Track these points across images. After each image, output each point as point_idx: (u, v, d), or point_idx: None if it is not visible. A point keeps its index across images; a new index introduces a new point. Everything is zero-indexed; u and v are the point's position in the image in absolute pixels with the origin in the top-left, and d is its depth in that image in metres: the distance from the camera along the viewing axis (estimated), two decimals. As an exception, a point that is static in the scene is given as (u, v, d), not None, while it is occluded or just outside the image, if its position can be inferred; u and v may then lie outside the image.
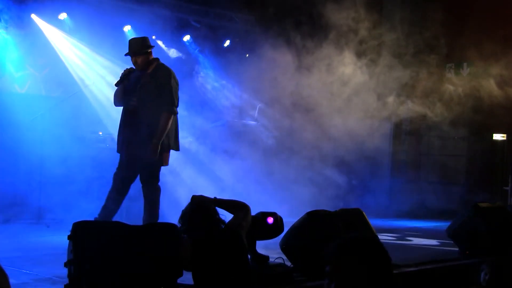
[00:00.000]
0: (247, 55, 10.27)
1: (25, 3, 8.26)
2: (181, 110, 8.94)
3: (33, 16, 8.46)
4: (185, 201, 4.17)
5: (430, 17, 10.03)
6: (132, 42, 6.01)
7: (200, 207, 3.99)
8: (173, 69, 6.02)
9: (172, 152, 6.14)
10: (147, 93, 5.86)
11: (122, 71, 5.92)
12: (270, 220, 4.55)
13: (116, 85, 5.92)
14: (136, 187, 6.06)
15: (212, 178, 8.48)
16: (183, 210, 4.03)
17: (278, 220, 4.61)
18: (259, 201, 8.08)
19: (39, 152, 7.61)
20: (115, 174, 5.84)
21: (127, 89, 5.87)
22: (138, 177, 5.91)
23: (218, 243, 3.87)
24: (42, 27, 8.60)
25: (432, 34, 9.70)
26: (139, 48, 5.92)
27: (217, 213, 4.02)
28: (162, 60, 6.04)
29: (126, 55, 5.98)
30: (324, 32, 8.80)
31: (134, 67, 5.93)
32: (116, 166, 5.88)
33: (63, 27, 8.77)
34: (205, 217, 3.94)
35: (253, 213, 4.60)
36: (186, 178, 8.22)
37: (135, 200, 7.90)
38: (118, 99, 5.94)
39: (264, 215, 4.57)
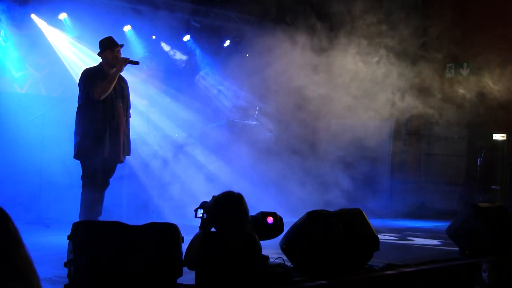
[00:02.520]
0: (247, 55, 10.28)
1: (25, 3, 8.26)
2: (181, 110, 8.96)
3: (33, 16, 8.46)
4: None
5: (430, 17, 10.04)
6: (111, 38, 5.99)
7: (241, 204, 3.92)
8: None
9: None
10: (127, 95, 6.08)
11: (124, 58, 5.89)
12: (270, 220, 4.55)
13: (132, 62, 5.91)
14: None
15: (212, 179, 8.48)
16: (214, 202, 3.93)
17: (278, 220, 4.60)
18: (259, 201, 8.10)
19: (39, 152, 7.61)
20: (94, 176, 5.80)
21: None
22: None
23: (238, 242, 3.85)
24: (42, 27, 8.59)
25: (433, 34, 9.70)
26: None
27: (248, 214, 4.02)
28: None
29: (121, 47, 5.98)
30: (324, 31, 8.80)
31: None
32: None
33: (63, 27, 8.77)
34: (242, 214, 3.91)
35: (253, 213, 4.60)
36: (186, 178, 8.22)
37: (134, 199, 7.94)
38: (108, 92, 5.77)
39: (264, 215, 4.56)
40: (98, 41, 6.03)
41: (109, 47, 5.89)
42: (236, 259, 3.83)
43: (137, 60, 6.08)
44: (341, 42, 8.81)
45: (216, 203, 3.92)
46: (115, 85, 5.85)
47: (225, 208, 3.88)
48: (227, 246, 3.82)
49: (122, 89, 5.99)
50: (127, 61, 5.89)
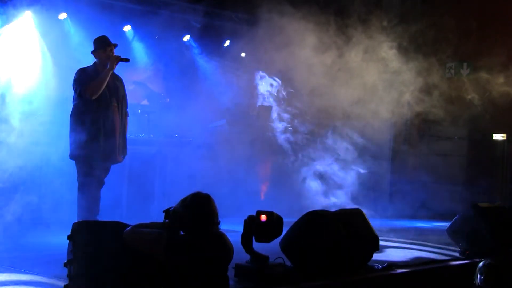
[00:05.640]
0: (244, 55, 10.31)
1: (25, 3, 8.24)
2: (181, 110, 8.96)
3: (32, 15, 8.43)
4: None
5: (431, 17, 10.03)
6: (105, 37, 6.02)
7: (209, 204, 3.81)
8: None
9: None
10: (123, 94, 6.08)
11: (116, 56, 5.90)
12: (263, 218, 4.48)
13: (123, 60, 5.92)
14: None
15: (212, 179, 8.47)
16: (181, 204, 3.81)
17: (274, 219, 4.53)
18: (258, 200, 8.10)
19: (38, 152, 7.61)
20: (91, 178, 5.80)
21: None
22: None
23: (207, 245, 3.75)
24: (41, 27, 8.57)
25: (433, 33, 9.69)
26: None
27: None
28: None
29: (115, 46, 6.01)
30: (323, 30, 8.79)
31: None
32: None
33: (63, 27, 8.76)
34: (209, 215, 3.79)
35: (253, 212, 4.60)
36: (186, 178, 8.22)
37: (134, 199, 7.95)
38: (100, 90, 5.77)
39: (258, 213, 4.52)
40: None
41: (102, 47, 5.91)
42: (205, 263, 3.71)
43: (127, 57, 6.05)
44: (340, 42, 8.80)
45: (183, 204, 3.80)
46: (109, 84, 5.84)
47: (192, 210, 3.76)
48: (195, 249, 3.70)
49: (116, 88, 5.98)
50: (119, 59, 5.88)
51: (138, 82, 9.33)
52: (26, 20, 8.32)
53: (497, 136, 11.02)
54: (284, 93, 9.23)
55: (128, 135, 6.26)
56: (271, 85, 9.40)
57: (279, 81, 9.09)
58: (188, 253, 3.68)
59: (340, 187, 9.55)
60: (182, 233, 3.81)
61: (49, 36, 8.59)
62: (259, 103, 9.75)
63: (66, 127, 5.96)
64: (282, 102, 9.42)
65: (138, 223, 3.91)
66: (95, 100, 5.73)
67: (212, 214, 3.81)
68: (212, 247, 3.76)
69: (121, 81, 6.14)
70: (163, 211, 3.86)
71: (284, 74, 8.99)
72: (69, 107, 6.00)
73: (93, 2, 8.60)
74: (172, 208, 3.83)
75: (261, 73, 9.40)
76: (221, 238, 3.84)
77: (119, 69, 6.22)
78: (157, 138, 8.51)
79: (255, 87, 9.49)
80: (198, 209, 3.77)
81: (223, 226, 3.91)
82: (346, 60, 8.83)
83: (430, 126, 11.76)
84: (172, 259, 3.66)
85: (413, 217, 10.31)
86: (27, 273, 4.64)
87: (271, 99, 9.61)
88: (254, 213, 4.56)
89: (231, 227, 4.09)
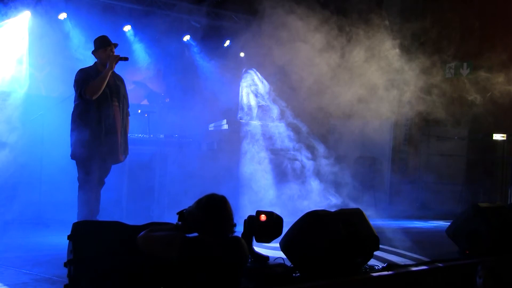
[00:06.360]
0: (243, 55, 10.30)
1: (25, 3, 8.25)
2: (181, 110, 8.97)
3: (32, 16, 8.44)
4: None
5: (430, 16, 10.04)
6: (105, 37, 6.02)
7: (225, 207, 3.74)
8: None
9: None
10: (124, 93, 6.08)
11: (116, 55, 5.91)
12: (263, 217, 4.48)
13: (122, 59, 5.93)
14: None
15: (212, 179, 8.47)
16: (196, 205, 3.76)
17: (274, 218, 4.53)
18: (258, 201, 8.10)
19: (39, 152, 7.62)
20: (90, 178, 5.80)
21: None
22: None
23: (222, 248, 3.71)
24: (41, 27, 8.57)
25: (433, 33, 9.70)
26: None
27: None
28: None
29: (115, 46, 6.03)
30: (322, 30, 8.79)
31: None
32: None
33: (63, 28, 8.76)
34: (225, 218, 3.74)
35: (252, 212, 4.60)
36: (186, 178, 8.22)
37: (134, 199, 7.95)
38: (100, 90, 5.78)
39: (258, 213, 4.52)
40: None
41: (102, 46, 5.91)
42: (217, 266, 3.66)
43: (127, 56, 6.06)
44: (341, 41, 8.80)
45: (199, 206, 3.75)
46: (110, 84, 5.84)
47: (208, 212, 3.71)
48: (209, 251, 3.65)
49: (117, 88, 5.98)
50: (118, 58, 5.89)
51: (138, 82, 9.36)
52: (22, 20, 8.32)
53: (497, 136, 11.03)
54: (284, 92, 9.23)
55: (128, 135, 6.26)
56: (264, 85, 9.42)
57: (275, 80, 9.10)
58: (202, 255, 3.64)
59: (340, 187, 9.57)
60: (196, 235, 3.78)
61: (49, 36, 8.59)
62: (258, 103, 9.75)
63: (67, 127, 5.96)
64: (282, 101, 9.43)
65: (149, 222, 3.90)
66: (96, 99, 5.73)
67: (227, 217, 3.76)
68: (226, 251, 3.70)
69: (122, 80, 6.14)
70: (177, 213, 3.83)
71: (284, 73, 8.99)
72: (70, 107, 6.00)
73: (93, 2, 8.61)
74: (186, 210, 3.80)
75: (254, 72, 9.41)
76: (236, 242, 3.79)
77: (120, 69, 6.23)
78: (157, 138, 8.51)
79: (251, 85, 9.51)
80: (213, 211, 3.72)
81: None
82: (347, 59, 8.83)
83: (430, 126, 11.77)
84: (186, 261, 3.63)
85: (413, 217, 10.31)
86: (27, 273, 4.64)
87: (270, 99, 9.62)
88: (254, 213, 4.56)
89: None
